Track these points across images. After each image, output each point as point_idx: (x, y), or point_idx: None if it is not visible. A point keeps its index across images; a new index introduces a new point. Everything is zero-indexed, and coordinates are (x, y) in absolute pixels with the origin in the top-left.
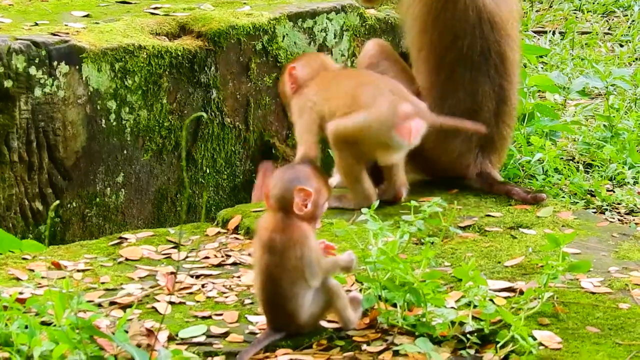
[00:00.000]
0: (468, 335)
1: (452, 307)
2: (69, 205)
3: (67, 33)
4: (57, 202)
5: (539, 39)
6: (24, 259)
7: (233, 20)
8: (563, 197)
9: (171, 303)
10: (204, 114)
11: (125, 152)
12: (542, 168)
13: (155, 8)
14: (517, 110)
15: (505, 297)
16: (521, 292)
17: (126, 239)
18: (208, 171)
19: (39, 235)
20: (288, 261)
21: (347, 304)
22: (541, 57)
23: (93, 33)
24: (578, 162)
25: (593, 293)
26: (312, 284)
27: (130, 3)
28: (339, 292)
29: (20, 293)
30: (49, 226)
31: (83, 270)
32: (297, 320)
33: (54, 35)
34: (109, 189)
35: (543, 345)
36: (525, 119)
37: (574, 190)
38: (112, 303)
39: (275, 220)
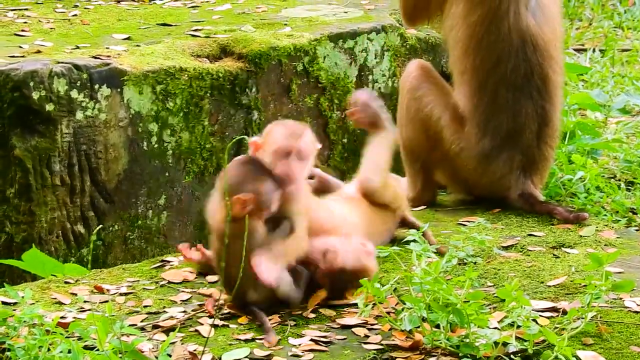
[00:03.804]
0: (512, 356)
1: (495, 328)
2: (111, 228)
3: (109, 56)
4: (100, 225)
5: (579, 57)
6: (66, 282)
7: (274, 42)
8: (605, 215)
9: (214, 326)
10: (246, 137)
11: (167, 174)
12: (584, 186)
13: (195, 30)
14: (559, 130)
15: (548, 317)
16: (564, 312)
17: (169, 261)
18: None
19: (81, 258)
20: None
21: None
22: (582, 75)
23: (134, 56)
24: (619, 180)
25: (637, 312)
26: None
27: (171, 25)
28: None
29: (63, 317)
30: (91, 250)
31: (125, 294)
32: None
33: (95, 58)
34: (150, 211)
35: None
36: (567, 137)
37: (615, 208)
38: (154, 327)
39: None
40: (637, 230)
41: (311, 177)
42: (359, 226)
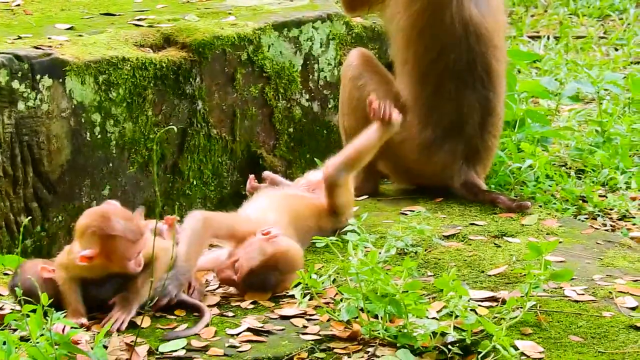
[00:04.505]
0: (450, 346)
1: (433, 318)
2: (54, 219)
3: (50, 46)
4: (29, 218)
5: (533, 44)
6: (5, 274)
7: (218, 31)
8: (554, 203)
9: (151, 317)
10: (174, 127)
11: (110, 165)
12: (534, 175)
13: (139, 19)
14: (507, 116)
15: (487, 307)
16: (504, 302)
17: None
18: (195, 183)
19: (25, 249)
20: None
21: None
22: (535, 62)
23: (76, 46)
24: (570, 168)
25: (576, 301)
26: None
27: (115, 15)
28: None
29: (0, 309)
30: (21, 241)
31: None
32: None
33: (37, 48)
34: (95, 202)
35: (525, 355)
36: (516, 126)
37: (565, 196)
38: (91, 318)
39: None
40: (586, 218)
41: (263, 180)
42: (281, 222)
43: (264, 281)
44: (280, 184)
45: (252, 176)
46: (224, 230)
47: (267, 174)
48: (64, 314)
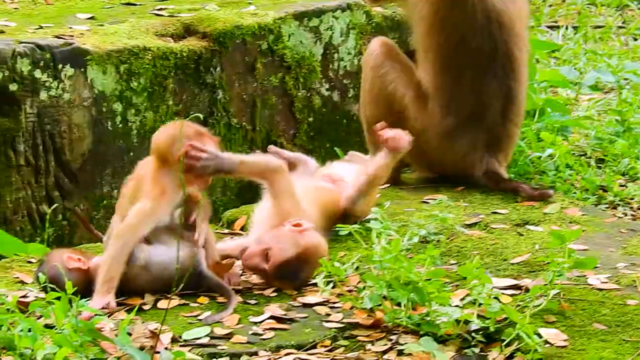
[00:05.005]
0: (473, 334)
1: (457, 306)
2: (76, 208)
3: (72, 36)
4: (55, 205)
5: (551, 34)
6: (29, 262)
7: (238, 20)
8: (574, 193)
9: (175, 306)
10: (200, 115)
11: (131, 154)
12: (554, 164)
13: (160, 9)
14: (527, 106)
15: (510, 295)
16: (527, 290)
17: None
18: None
19: (47, 239)
20: None
21: None
22: (553, 52)
23: (97, 35)
24: (590, 158)
25: (600, 290)
26: None
27: (135, 4)
28: None
29: (25, 296)
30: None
31: None
32: None
33: (58, 38)
34: (116, 191)
35: (549, 343)
36: (536, 115)
37: (585, 186)
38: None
39: None
40: (607, 207)
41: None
42: (311, 214)
43: (295, 273)
44: (298, 163)
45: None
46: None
47: (272, 148)
48: (88, 301)
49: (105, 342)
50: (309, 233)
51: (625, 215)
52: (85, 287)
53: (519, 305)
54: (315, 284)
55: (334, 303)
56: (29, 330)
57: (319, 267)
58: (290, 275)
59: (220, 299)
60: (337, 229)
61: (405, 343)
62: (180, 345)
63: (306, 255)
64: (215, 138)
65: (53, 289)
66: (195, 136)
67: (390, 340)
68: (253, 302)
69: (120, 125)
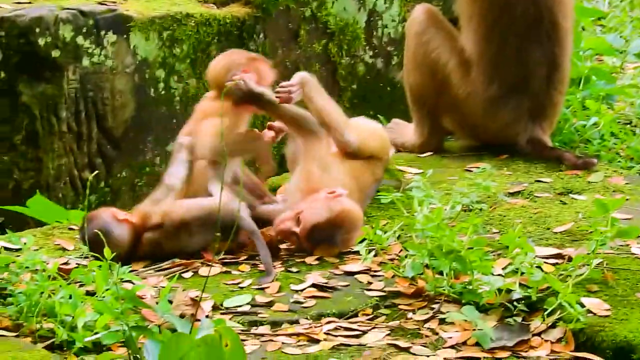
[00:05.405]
0: (515, 303)
1: (499, 275)
2: (118, 175)
3: (115, 2)
4: (96, 172)
5: (597, 1)
6: (70, 229)
7: None
8: (619, 161)
9: (217, 273)
10: (243, 81)
11: (174, 120)
12: (598, 132)
13: None
14: (572, 74)
15: (553, 264)
16: (570, 259)
17: None
18: None
19: (89, 205)
20: None
21: None
22: (599, 19)
23: (140, 2)
24: (635, 126)
25: None
26: None
27: None
28: None
29: (66, 263)
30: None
31: None
32: None
33: (101, 4)
34: (158, 158)
35: (591, 312)
36: (581, 83)
37: (630, 154)
38: (157, 271)
39: None
40: None
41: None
42: (345, 184)
43: (328, 238)
44: None
45: None
46: None
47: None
48: (130, 269)
49: (146, 310)
50: (342, 199)
51: None
52: (132, 241)
53: (561, 275)
54: (357, 252)
55: (376, 271)
56: (70, 297)
57: (357, 233)
58: (322, 238)
59: (261, 267)
60: (378, 196)
61: (447, 312)
62: (222, 313)
63: (340, 220)
64: (269, 61)
65: (96, 249)
66: (249, 62)
67: (432, 309)
68: (295, 270)
69: (163, 92)
